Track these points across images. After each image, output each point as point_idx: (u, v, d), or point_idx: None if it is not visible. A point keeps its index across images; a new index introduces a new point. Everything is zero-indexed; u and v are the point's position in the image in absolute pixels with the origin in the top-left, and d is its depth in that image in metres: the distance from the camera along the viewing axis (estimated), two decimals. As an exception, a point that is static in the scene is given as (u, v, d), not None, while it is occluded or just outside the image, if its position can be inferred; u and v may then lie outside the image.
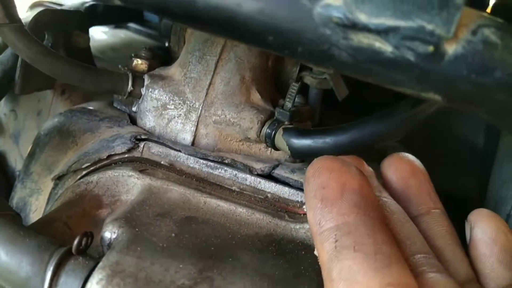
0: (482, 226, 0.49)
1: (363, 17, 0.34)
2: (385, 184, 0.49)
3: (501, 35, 0.35)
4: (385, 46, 0.35)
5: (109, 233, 0.49)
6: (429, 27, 0.33)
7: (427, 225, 0.48)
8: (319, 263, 0.36)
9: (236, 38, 0.40)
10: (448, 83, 0.35)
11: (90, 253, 0.47)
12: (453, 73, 0.35)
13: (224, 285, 0.44)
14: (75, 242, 0.46)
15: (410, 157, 0.50)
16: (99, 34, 1.09)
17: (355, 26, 0.35)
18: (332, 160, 0.39)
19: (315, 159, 0.39)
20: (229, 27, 0.38)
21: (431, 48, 0.34)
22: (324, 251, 0.36)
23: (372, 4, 0.34)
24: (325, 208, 0.37)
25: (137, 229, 0.49)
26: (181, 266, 0.45)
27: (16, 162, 0.87)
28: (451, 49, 0.34)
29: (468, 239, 0.50)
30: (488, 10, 0.84)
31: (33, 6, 0.93)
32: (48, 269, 0.44)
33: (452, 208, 0.52)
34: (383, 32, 0.34)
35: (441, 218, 0.48)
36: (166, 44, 0.97)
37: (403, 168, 0.49)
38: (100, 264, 0.44)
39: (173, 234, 0.50)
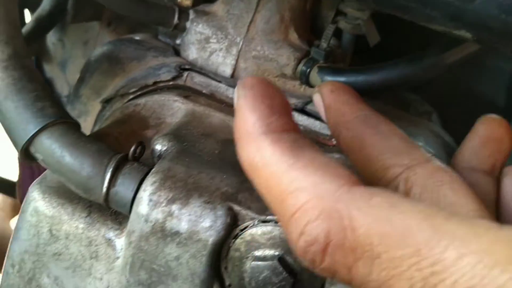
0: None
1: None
2: (470, 133, 0.52)
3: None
4: (422, -17, 0.39)
5: (160, 145, 0.54)
6: (467, -34, 0.37)
7: (474, 178, 0.50)
8: (253, 164, 0.38)
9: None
10: (480, 21, 0.39)
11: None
12: (485, 12, 0.38)
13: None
14: (131, 149, 0.51)
15: (507, 125, 0.52)
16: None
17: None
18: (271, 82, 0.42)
19: (251, 77, 0.42)
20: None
21: (466, -13, 0.38)
22: (279, 148, 0.37)
23: None
24: (274, 116, 0.39)
25: (185, 144, 0.54)
26: (224, 176, 0.51)
27: (62, 88, 0.93)
28: (484, -12, 0.38)
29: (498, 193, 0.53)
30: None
31: None
32: (107, 171, 0.50)
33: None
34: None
35: (491, 183, 0.51)
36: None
37: (494, 130, 0.51)
38: (154, 169, 0.50)
39: (216, 151, 0.55)
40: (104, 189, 0.50)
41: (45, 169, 0.55)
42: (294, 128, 0.39)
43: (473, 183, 0.50)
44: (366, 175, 0.45)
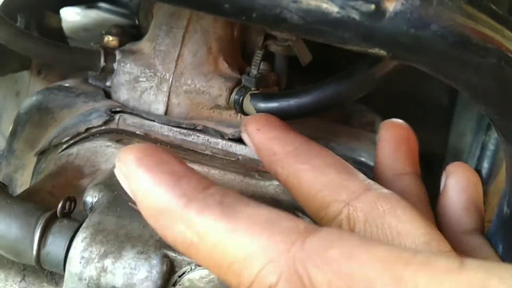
0: (455, 176, 0.54)
1: (308, -20, 0.38)
2: (380, 142, 0.55)
3: (435, -8, 0.38)
4: (331, 7, 0.38)
5: (91, 197, 0.53)
6: (369, -14, 0.37)
7: (404, 182, 0.53)
8: None
9: (194, 8, 0.43)
10: (391, 38, 0.39)
11: (75, 218, 0.51)
12: (395, 29, 0.38)
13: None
14: (59, 205, 0.49)
15: (407, 126, 0.55)
16: (71, 15, 1.12)
17: (302, -11, 0.38)
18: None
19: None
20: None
21: (372, 7, 0.38)
22: None
23: (316, -33, 0.37)
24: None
25: (116, 192, 0.53)
26: (158, 222, 0.49)
27: (-2, 142, 0.90)
28: (391, 6, 0.38)
29: (441, 188, 0.55)
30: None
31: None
32: (36, 232, 0.48)
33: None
34: (329, -6, 0.38)
35: (417, 180, 0.54)
36: (137, 22, 1.00)
37: (400, 133, 0.55)
38: (84, 224, 0.48)
39: (150, 195, 0.54)
40: (35, 251, 0.48)
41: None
42: (209, 184, 0.37)
43: (404, 187, 0.52)
44: (309, 211, 0.45)
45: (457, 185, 0.55)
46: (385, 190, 0.43)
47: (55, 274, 0.51)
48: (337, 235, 0.33)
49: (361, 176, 0.45)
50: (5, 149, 0.74)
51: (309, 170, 0.45)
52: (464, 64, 0.41)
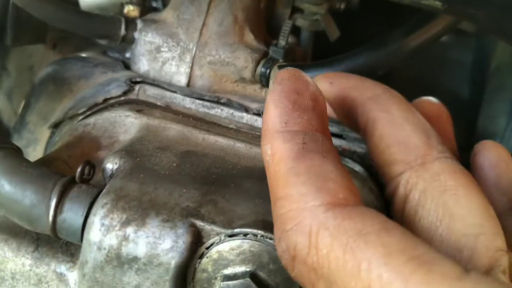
0: (485, 153, 0.51)
1: None
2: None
3: None
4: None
5: (111, 164, 0.49)
6: None
7: None
8: (266, 160, 0.39)
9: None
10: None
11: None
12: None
13: (227, 207, 0.45)
14: (78, 169, 0.46)
15: (441, 103, 0.54)
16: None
17: None
18: (306, 76, 0.42)
19: (286, 68, 0.42)
20: None
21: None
22: (286, 149, 0.37)
23: None
24: (296, 112, 0.39)
25: (138, 159, 0.49)
26: (184, 190, 0.46)
27: (10, 119, 0.87)
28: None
29: (471, 166, 0.51)
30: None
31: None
32: (52, 197, 0.45)
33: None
34: None
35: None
36: (154, 4, 0.97)
37: (438, 110, 0.53)
38: (104, 190, 0.45)
39: (174, 164, 0.50)
40: (50, 218, 0.44)
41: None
42: (313, 127, 0.39)
43: None
44: (376, 162, 0.45)
45: (486, 162, 0.51)
46: (456, 164, 0.41)
47: (71, 244, 0.48)
48: (367, 214, 0.34)
49: (437, 140, 0.43)
50: (17, 122, 0.71)
51: (387, 120, 0.44)
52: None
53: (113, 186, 0.45)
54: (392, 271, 0.30)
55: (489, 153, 0.52)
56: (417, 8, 0.42)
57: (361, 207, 0.35)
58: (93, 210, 0.44)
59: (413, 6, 0.39)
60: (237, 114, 0.61)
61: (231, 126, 0.61)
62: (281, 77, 0.41)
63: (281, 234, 0.35)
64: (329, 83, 0.48)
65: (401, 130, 0.43)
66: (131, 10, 0.70)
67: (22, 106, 0.72)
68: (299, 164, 0.36)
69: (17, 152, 0.49)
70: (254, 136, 0.59)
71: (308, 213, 0.34)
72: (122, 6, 0.71)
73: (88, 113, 0.62)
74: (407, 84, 0.80)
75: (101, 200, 0.44)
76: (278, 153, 0.37)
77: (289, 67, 0.42)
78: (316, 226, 0.33)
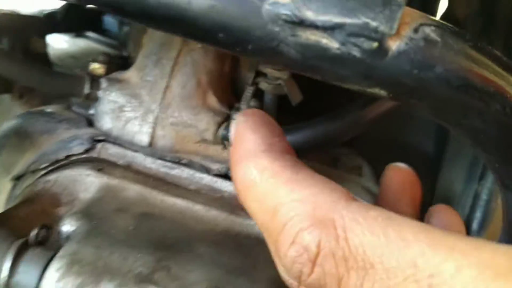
0: (438, 217, 0.54)
1: (310, 14, 0.36)
2: (384, 181, 0.56)
3: (440, 33, 0.38)
4: (331, 43, 0.37)
5: (68, 226, 0.50)
6: (373, 24, 0.36)
7: None
8: (251, 179, 0.38)
9: (187, 36, 0.42)
10: (393, 78, 0.38)
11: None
12: (397, 69, 0.37)
13: (181, 273, 0.46)
14: (33, 233, 0.47)
15: (413, 172, 0.56)
16: (59, 43, 1.10)
17: (303, 23, 0.37)
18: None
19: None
20: (180, 25, 0.40)
21: (375, 44, 0.37)
22: (278, 165, 0.38)
23: (319, 1, 0.36)
24: (276, 138, 0.41)
25: (95, 222, 0.50)
26: (139, 255, 0.47)
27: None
28: (394, 45, 0.37)
29: None
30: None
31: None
32: (6, 260, 0.45)
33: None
34: (329, 29, 0.37)
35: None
36: (125, 53, 0.99)
37: (405, 176, 0.55)
38: (59, 253, 0.46)
39: (130, 227, 0.51)
40: (3, 280, 0.45)
41: None
42: (294, 153, 0.40)
43: None
44: None
45: (438, 225, 0.53)
46: None
47: (24, 307, 0.48)
48: (381, 207, 0.34)
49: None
50: (-21, 173, 0.71)
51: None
52: (467, 109, 0.40)
53: (67, 250, 0.46)
54: (435, 243, 0.30)
55: (441, 217, 0.54)
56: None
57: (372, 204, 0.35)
58: (47, 274, 0.44)
59: (359, 92, 0.41)
60: (198, 175, 0.63)
61: (191, 186, 0.62)
62: (250, 112, 0.43)
63: (295, 236, 0.33)
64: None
65: None
66: (96, 68, 0.71)
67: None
68: (299, 173, 0.36)
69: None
70: (213, 198, 0.61)
71: (329, 208, 0.33)
72: (88, 63, 0.72)
73: (50, 168, 0.62)
74: (373, 139, 0.83)
75: (55, 264, 0.44)
76: (270, 169, 0.37)
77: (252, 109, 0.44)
78: (340, 218, 0.33)
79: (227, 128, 0.65)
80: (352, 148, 0.83)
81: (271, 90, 0.71)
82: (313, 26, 0.37)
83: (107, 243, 0.47)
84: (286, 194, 0.35)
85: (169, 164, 0.63)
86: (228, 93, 0.73)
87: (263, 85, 0.71)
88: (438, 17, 0.89)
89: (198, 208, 0.57)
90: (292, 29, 0.37)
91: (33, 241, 0.46)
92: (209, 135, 0.66)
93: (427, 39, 0.37)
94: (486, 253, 0.28)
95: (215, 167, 0.63)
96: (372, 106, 0.60)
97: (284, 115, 0.77)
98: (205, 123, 0.65)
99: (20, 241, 0.46)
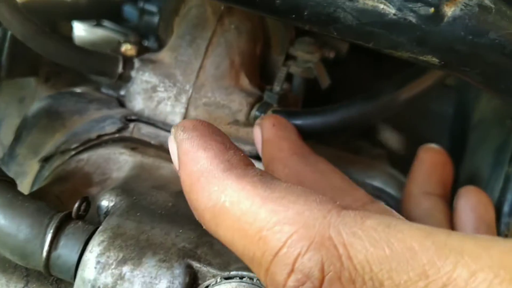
0: (466, 197, 0.54)
1: (369, -20, 0.36)
2: (416, 161, 0.57)
3: (494, 0, 0.37)
4: (389, 8, 0.37)
5: (107, 201, 0.49)
6: (431, -11, 0.36)
7: (430, 202, 0.54)
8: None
9: (245, 5, 0.41)
10: (446, 44, 0.38)
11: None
12: (451, 34, 0.37)
13: (223, 249, 0.45)
14: (75, 206, 0.46)
15: (446, 153, 0.57)
16: (78, 32, 1.10)
17: (361, -12, 0.37)
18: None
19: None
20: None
21: (432, 10, 0.36)
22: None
23: (379, -33, 0.36)
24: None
25: (134, 198, 0.49)
26: (180, 231, 0.46)
27: (-4, 149, 0.86)
28: (450, 11, 0.37)
29: (453, 209, 0.54)
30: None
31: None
32: (48, 232, 0.44)
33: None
34: (388, -6, 0.36)
35: (444, 204, 0.55)
36: (145, 44, 0.99)
37: (438, 157, 0.57)
38: (101, 227, 0.45)
39: (170, 204, 0.50)
40: (45, 253, 0.44)
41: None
42: (252, 163, 0.37)
43: (429, 206, 0.52)
44: None
45: (467, 205, 0.54)
46: (390, 208, 0.43)
47: (62, 282, 0.47)
48: (375, 213, 0.31)
49: (364, 192, 0.45)
50: (6, 154, 0.71)
51: (314, 172, 0.45)
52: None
53: (110, 224, 0.45)
54: (442, 248, 0.27)
55: (470, 197, 0.55)
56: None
57: (365, 210, 0.32)
58: (89, 247, 0.44)
59: (409, 61, 0.41)
60: (230, 156, 0.62)
61: (223, 167, 0.62)
62: (191, 125, 0.38)
63: (293, 264, 0.30)
64: (271, 124, 0.51)
65: (330, 180, 0.46)
66: (128, 49, 0.70)
67: (11, 138, 0.71)
68: (274, 189, 0.33)
69: (12, 185, 0.49)
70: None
71: (322, 225, 0.30)
72: (119, 44, 0.72)
73: (81, 148, 0.62)
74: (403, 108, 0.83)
75: (97, 238, 0.44)
76: (238, 190, 0.34)
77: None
78: (338, 235, 0.29)
79: (259, 110, 0.65)
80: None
81: (301, 73, 0.71)
82: (371, -9, 0.37)
83: (148, 218, 0.47)
84: (268, 216, 0.31)
85: (201, 144, 0.62)
86: (258, 77, 0.72)
87: (293, 68, 0.71)
88: None
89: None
90: (350, -6, 0.37)
91: (75, 214, 0.46)
92: (241, 116, 0.65)
93: (481, 5, 0.37)
94: (497, 253, 0.26)
95: (246, 148, 0.62)
96: (405, 88, 0.60)
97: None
98: (237, 104, 0.65)
99: (61, 214, 0.46)
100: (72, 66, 0.67)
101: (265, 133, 0.50)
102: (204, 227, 0.37)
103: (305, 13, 0.39)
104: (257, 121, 0.53)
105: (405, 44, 0.39)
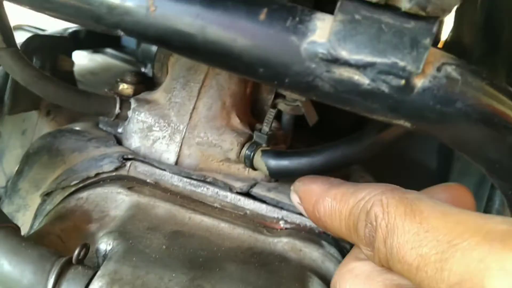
0: (446, 192, 0.56)
1: (344, 53, 0.40)
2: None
3: (460, 72, 0.41)
4: (363, 79, 0.40)
5: (105, 244, 0.53)
6: (401, 63, 0.39)
7: None
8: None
9: (231, 70, 0.45)
10: (417, 112, 0.41)
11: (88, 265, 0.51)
12: (421, 104, 0.41)
13: (213, 292, 0.49)
14: (75, 252, 0.49)
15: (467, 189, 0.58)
16: (79, 59, 1.13)
17: (337, 61, 0.40)
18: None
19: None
20: (225, 60, 0.43)
21: (402, 82, 0.40)
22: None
23: (353, 42, 0.39)
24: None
25: (130, 241, 0.53)
26: (173, 275, 0.49)
27: (-1, 180, 0.90)
28: (419, 82, 0.40)
29: None
30: (440, 45, 0.93)
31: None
32: (50, 277, 0.48)
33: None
34: (361, 67, 0.40)
35: None
36: (143, 70, 1.02)
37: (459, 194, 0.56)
38: (99, 272, 0.48)
39: (163, 246, 0.54)
40: (47, 297, 0.47)
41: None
42: None
43: None
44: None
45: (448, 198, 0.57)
46: None
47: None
48: None
49: None
50: (9, 188, 0.74)
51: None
52: (484, 141, 0.43)
53: (107, 269, 0.48)
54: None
55: (451, 191, 0.57)
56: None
57: None
58: (89, 292, 0.47)
59: (383, 122, 0.44)
60: (222, 193, 0.66)
61: (215, 204, 0.65)
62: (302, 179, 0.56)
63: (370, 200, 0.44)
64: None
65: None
66: (125, 88, 0.74)
67: (13, 169, 0.75)
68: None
69: (16, 231, 0.52)
70: (237, 216, 0.64)
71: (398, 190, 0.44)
72: (116, 83, 0.75)
73: (80, 185, 0.65)
74: (383, 159, 0.86)
75: (96, 283, 0.47)
76: (333, 192, 0.50)
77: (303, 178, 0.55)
78: (414, 198, 0.42)
79: (249, 149, 0.68)
80: (360, 165, 0.86)
81: (289, 111, 0.75)
82: (346, 64, 0.40)
83: (143, 263, 0.50)
84: (358, 195, 0.46)
85: (194, 182, 0.66)
86: (249, 114, 0.76)
87: (282, 106, 0.74)
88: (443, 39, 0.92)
89: (223, 226, 0.60)
90: (327, 66, 0.40)
91: (75, 259, 0.49)
92: (232, 155, 0.69)
93: (448, 77, 0.41)
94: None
95: (237, 185, 0.66)
96: (389, 130, 0.63)
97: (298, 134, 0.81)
98: (229, 143, 0.69)
99: (63, 260, 0.49)
100: (72, 108, 0.70)
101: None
102: None
103: (286, 81, 0.42)
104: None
105: (379, 110, 0.42)
